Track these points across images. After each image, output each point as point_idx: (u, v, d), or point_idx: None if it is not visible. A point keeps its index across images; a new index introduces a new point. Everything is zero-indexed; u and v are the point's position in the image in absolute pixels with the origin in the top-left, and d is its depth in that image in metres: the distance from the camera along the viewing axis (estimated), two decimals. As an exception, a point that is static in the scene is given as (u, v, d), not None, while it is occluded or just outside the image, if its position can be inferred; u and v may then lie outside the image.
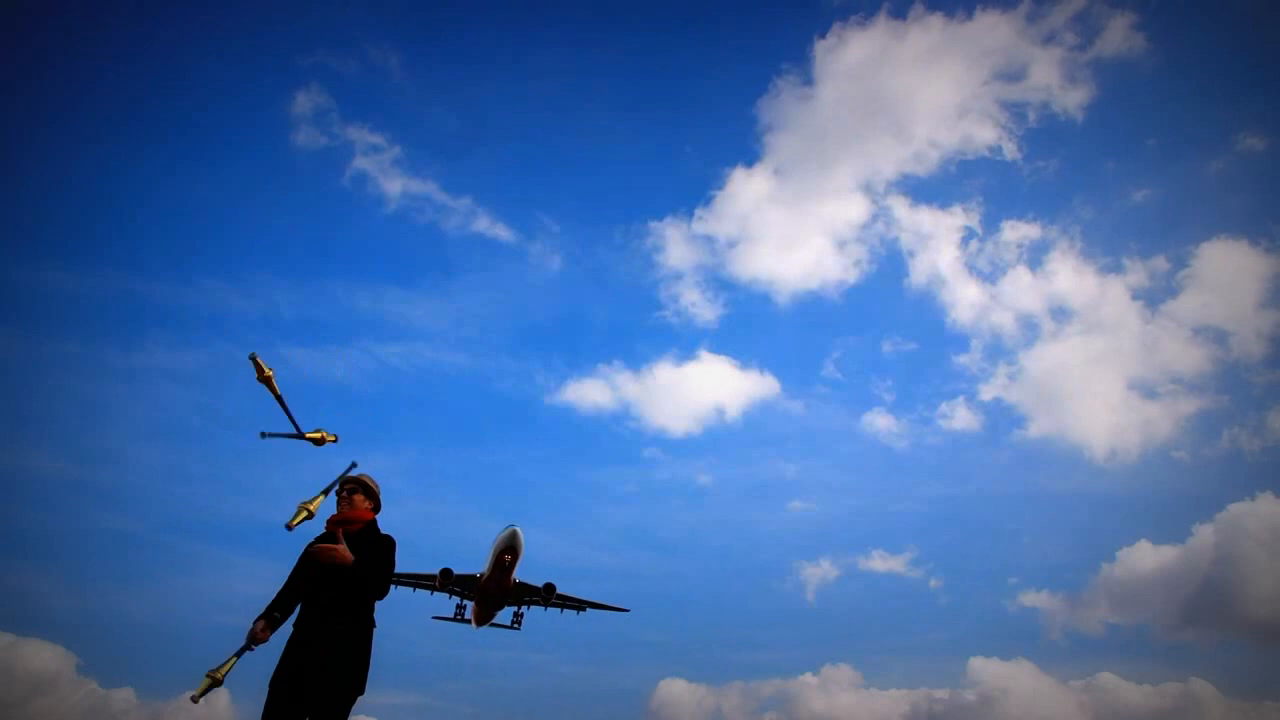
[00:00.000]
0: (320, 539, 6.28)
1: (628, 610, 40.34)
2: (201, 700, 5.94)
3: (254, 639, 6.08)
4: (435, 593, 39.67)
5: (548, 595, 39.55)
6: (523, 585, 38.95)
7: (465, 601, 40.51)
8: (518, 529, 35.84)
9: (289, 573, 6.40)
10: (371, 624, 6.18)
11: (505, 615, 45.94)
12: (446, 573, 38.53)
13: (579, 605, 40.55)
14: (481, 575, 38.32)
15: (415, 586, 39.00)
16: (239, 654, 6.05)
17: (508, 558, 36.37)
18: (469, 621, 43.42)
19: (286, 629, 6.13)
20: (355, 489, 6.58)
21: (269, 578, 6.45)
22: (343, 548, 6.01)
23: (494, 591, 38.52)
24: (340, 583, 6.05)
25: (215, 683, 5.96)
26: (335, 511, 6.54)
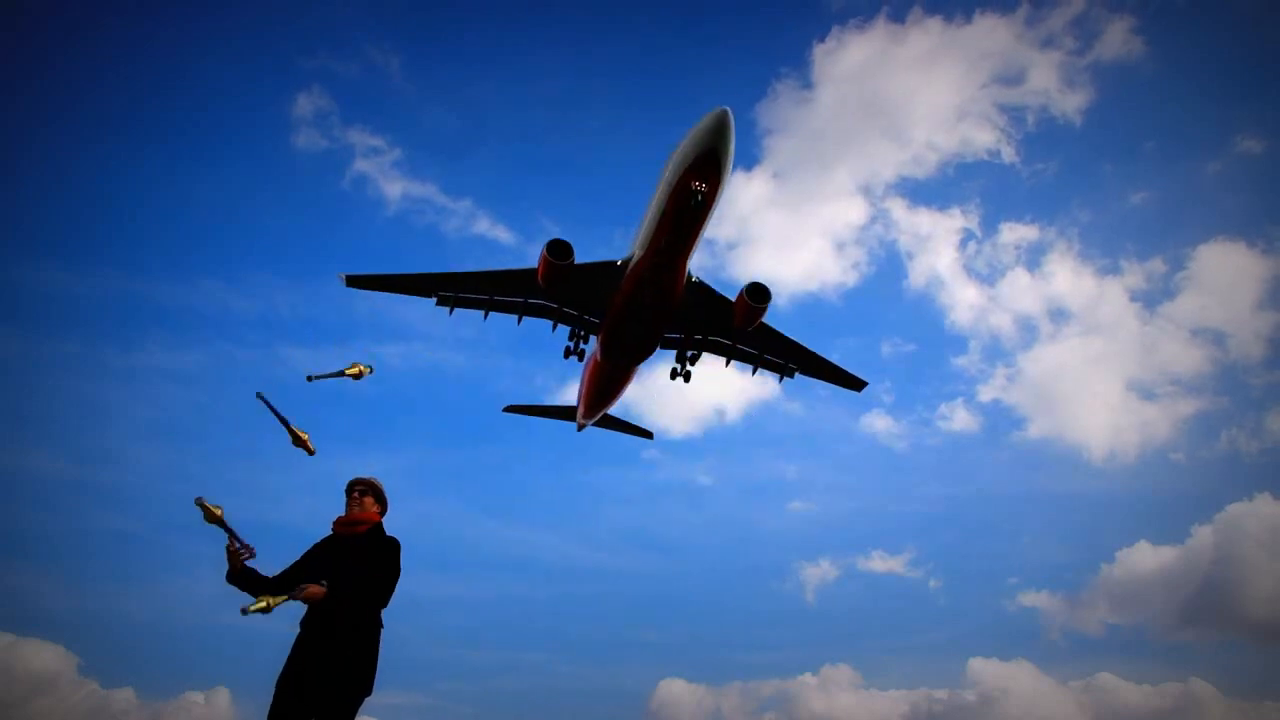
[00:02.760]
0: (320, 543, 6.35)
1: (864, 385, 24.42)
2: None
3: (234, 556, 6.26)
4: (525, 317, 23.10)
5: (749, 313, 21.33)
6: (701, 290, 21.96)
7: (586, 335, 23.56)
8: (729, 110, 17.47)
9: (290, 566, 6.45)
10: (379, 625, 6.21)
11: (623, 421, 30.06)
12: (561, 249, 20.57)
13: (790, 362, 23.98)
14: (629, 261, 21.25)
15: (489, 306, 22.63)
16: (230, 533, 6.23)
17: (698, 185, 17.79)
18: (571, 412, 29.01)
19: (294, 630, 6.14)
20: (365, 491, 6.65)
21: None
22: (314, 589, 6.03)
23: (650, 295, 21.01)
24: (353, 581, 6.11)
25: (210, 512, 6.07)
26: (345, 513, 6.61)
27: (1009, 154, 64.09)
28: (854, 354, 70.27)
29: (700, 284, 22.00)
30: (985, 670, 43.02)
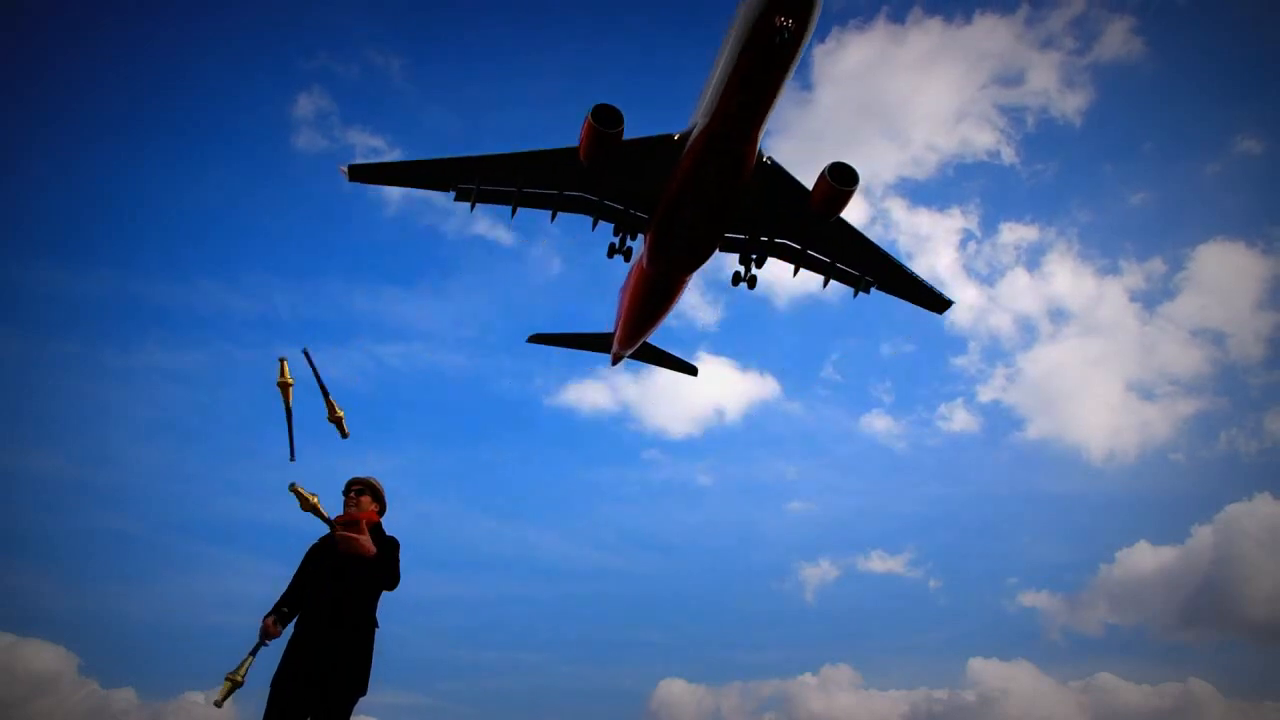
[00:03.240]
0: (341, 526, 6.31)
1: (949, 304, 21.70)
2: (225, 704, 5.89)
3: (266, 634, 6.17)
4: (560, 213, 19.86)
5: (831, 198, 18.26)
6: (774, 173, 18.91)
7: (634, 232, 20.26)
8: None
9: (295, 570, 6.46)
10: (374, 624, 6.21)
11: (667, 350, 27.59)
12: (608, 115, 17.20)
13: (867, 274, 21.26)
14: (688, 135, 18.00)
15: (518, 200, 19.26)
16: (254, 652, 6.14)
17: (784, 22, 15.03)
18: (606, 341, 26.52)
19: (289, 630, 6.14)
20: (363, 490, 6.62)
21: (269, 577, 6.56)
22: (366, 539, 6.06)
23: (713, 176, 17.80)
24: (351, 579, 6.09)
25: (236, 685, 6.07)
26: (342, 512, 6.58)
27: (1009, 154, 63.88)
28: (854, 354, 70.31)
29: (774, 165, 18.79)
30: (985, 670, 43.01)
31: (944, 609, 50.59)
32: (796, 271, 21.46)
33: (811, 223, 19.89)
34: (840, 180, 18.18)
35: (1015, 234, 64.87)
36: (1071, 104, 61.62)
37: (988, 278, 65.33)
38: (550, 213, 19.90)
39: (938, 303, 21.92)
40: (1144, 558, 49.07)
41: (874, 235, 21.25)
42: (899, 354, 64.50)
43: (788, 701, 42.69)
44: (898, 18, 69.70)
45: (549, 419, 60.98)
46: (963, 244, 68.94)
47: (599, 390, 61.53)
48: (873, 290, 22.05)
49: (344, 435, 6.55)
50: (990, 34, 63.80)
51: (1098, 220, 66.39)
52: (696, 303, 61.05)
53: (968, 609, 51.25)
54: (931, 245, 65.40)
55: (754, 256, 21.13)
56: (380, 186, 19.94)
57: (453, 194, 19.26)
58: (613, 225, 20.32)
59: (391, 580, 6.32)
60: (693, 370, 29.65)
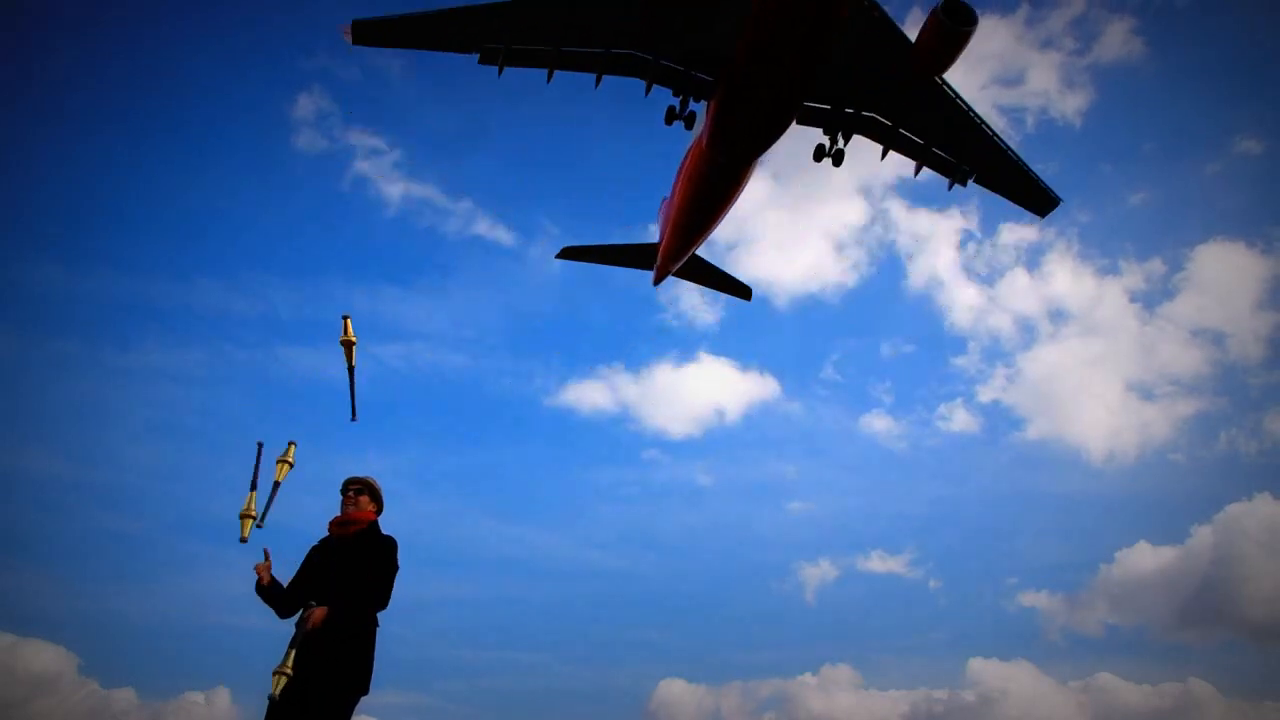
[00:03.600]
0: (337, 525, 6.45)
1: (1056, 203, 18.46)
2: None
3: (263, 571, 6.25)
4: (606, 76, 16.83)
5: (943, 42, 15.27)
6: (870, 18, 15.76)
7: (699, 95, 17.16)
8: None
9: (296, 570, 6.46)
10: (374, 624, 6.21)
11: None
12: None
13: (965, 162, 18.02)
14: None
15: (555, 61, 16.35)
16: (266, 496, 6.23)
17: None
18: (649, 255, 23.94)
19: (288, 629, 6.14)
20: (361, 489, 6.62)
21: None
22: (319, 613, 5.94)
23: (798, 16, 14.46)
24: (351, 580, 6.11)
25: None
26: (340, 513, 6.60)
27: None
28: (854, 354, 70.57)
29: (872, 2, 15.34)
30: (985, 670, 43.27)
31: (944, 609, 50.90)
32: (885, 154, 18.37)
33: (910, 86, 16.70)
34: (956, 18, 14.86)
35: (1015, 234, 64.88)
36: (1071, 104, 61.60)
37: (987, 278, 65.40)
38: (594, 77, 16.61)
39: (1044, 201, 18.64)
40: (1144, 558, 49.36)
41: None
42: (899, 354, 64.58)
43: (788, 701, 42.92)
44: (897, 18, 69.66)
45: (549, 419, 61.30)
46: (962, 244, 69.06)
47: (599, 390, 61.78)
48: (970, 182, 18.71)
49: (259, 525, 6.44)
50: (990, 34, 63.95)
51: (1097, 220, 66.49)
52: (696, 303, 61.24)
53: (968, 609, 51.62)
54: (931, 245, 65.60)
55: (841, 135, 18.16)
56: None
57: (477, 56, 16.11)
58: (670, 89, 17.07)
59: (377, 601, 6.22)
60: (747, 293, 26.45)
